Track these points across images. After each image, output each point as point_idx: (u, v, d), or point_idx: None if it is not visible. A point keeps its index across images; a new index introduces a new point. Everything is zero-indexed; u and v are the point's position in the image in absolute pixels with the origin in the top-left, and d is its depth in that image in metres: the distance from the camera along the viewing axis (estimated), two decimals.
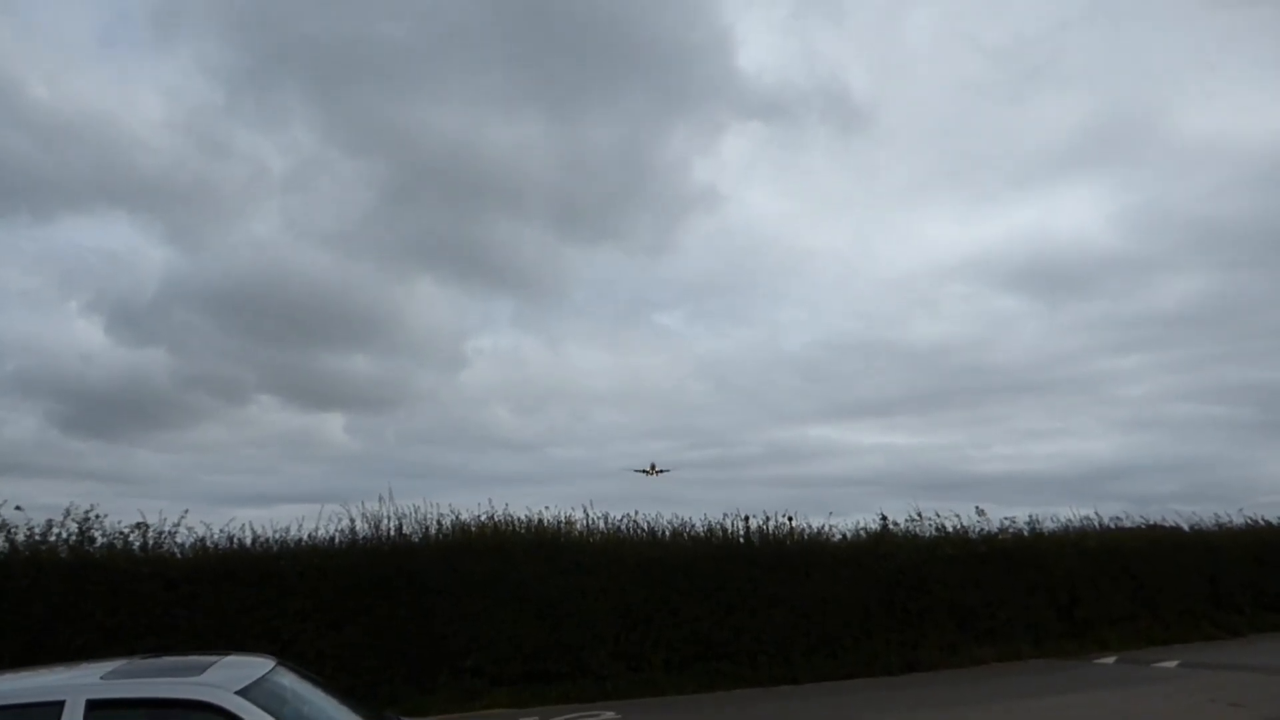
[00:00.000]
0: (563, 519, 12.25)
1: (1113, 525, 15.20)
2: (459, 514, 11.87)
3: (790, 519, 12.99)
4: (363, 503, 11.56)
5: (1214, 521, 16.21)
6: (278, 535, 11.00)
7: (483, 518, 11.90)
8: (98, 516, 10.44)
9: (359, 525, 11.37)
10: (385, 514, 11.57)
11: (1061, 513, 14.96)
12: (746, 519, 12.93)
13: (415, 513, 11.72)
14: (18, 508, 10.29)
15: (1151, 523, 15.55)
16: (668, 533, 12.56)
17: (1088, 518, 14.95)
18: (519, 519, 12.00)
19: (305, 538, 11.04)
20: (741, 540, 12.61)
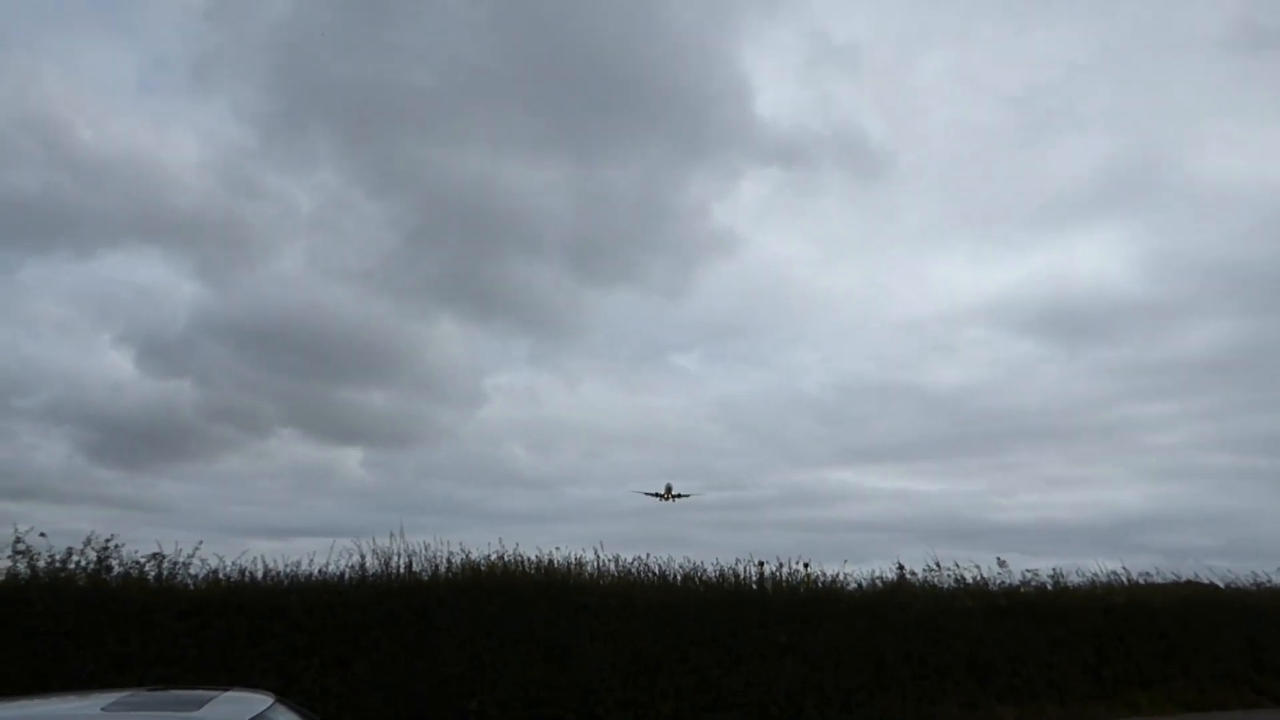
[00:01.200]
0: (573, 560, 12.18)
1: (1142, 580, 14.69)
2: (469, 552, 11.87)
3: (806, 565, 12.77)
4: (374, 538, 11.63)
5: (1252, 580, 15.59)
6: (288, 569, 11.09)
7: (493, 556, 11.89)
8: (116, 546, 10.63)
9: (369, 561, 11.43)
10: (396, 550, 11.62)
11: (1088, 565, 14.51)
12: (761, 564, 12.74)
13: (425, 550, 11.75)
14: (41, 534, 10.54)
15: (1184, 579, 15.01)
16: (679, 577, 12.41)
17: (1115, 572, 14.48)
18: (529, 559, 11.97)
19: (315, 572, 11.11)
20: (754, 586, 12.41)
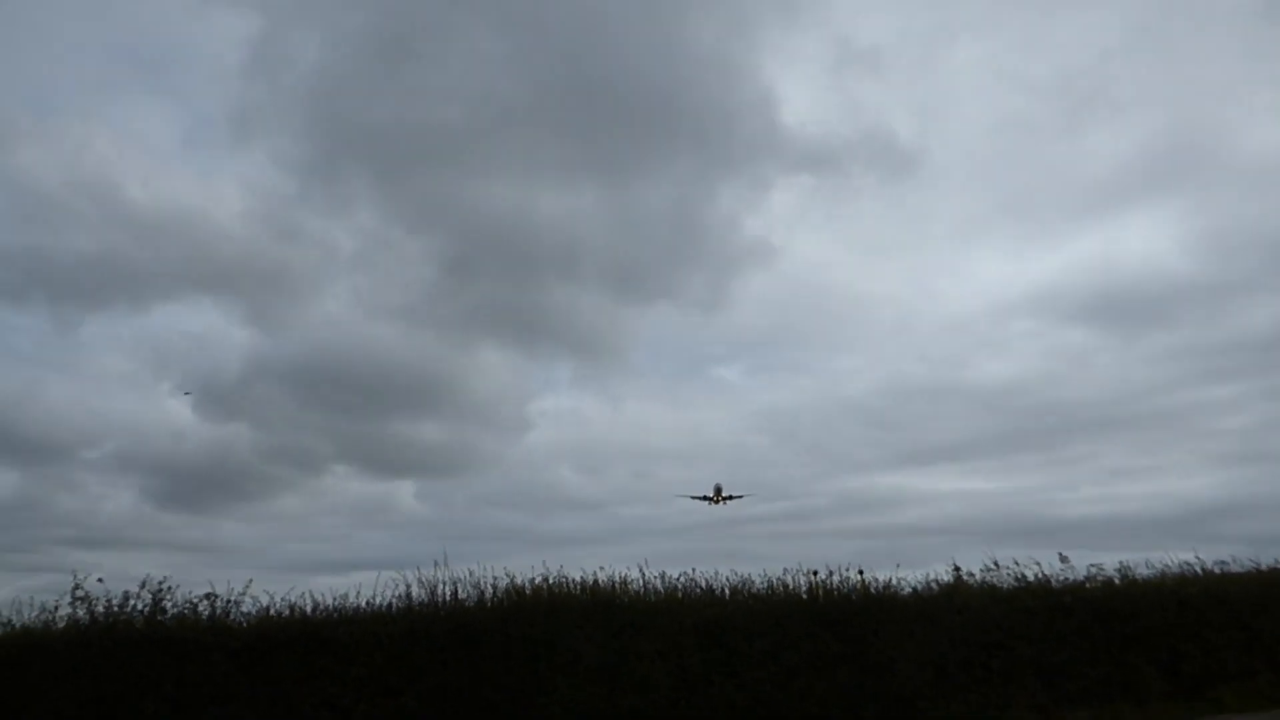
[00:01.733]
0: (618, 579, 12.07)
1: (1218, 570, 13.92)
2: (514, 576, 11.86)
3: (860, 572, 12.44)
4: (418, 568, 11.70)
5: None
6: (336, 602, 11.21)
7: (537, 579, 11.84)
8: (170, 588, 10.91)
9: (415, 591, 11.50)
10: (441, 579, 11.67)
11: (1160, 557, 13.81)
12: (813, 573, 12.45)
13: (470, 576, 11.78)
14: (99, 579, 10.88)
15: (1264, 566, 14.18)
16: (726, 590, 12.19)
17: (1187, 563, 13.75)
18: (573, 580, 11.89)
19: (363, 605, 11.22)
20: (804, 596, 12.12)
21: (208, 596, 10.95)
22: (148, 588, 10.91)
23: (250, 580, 11.15)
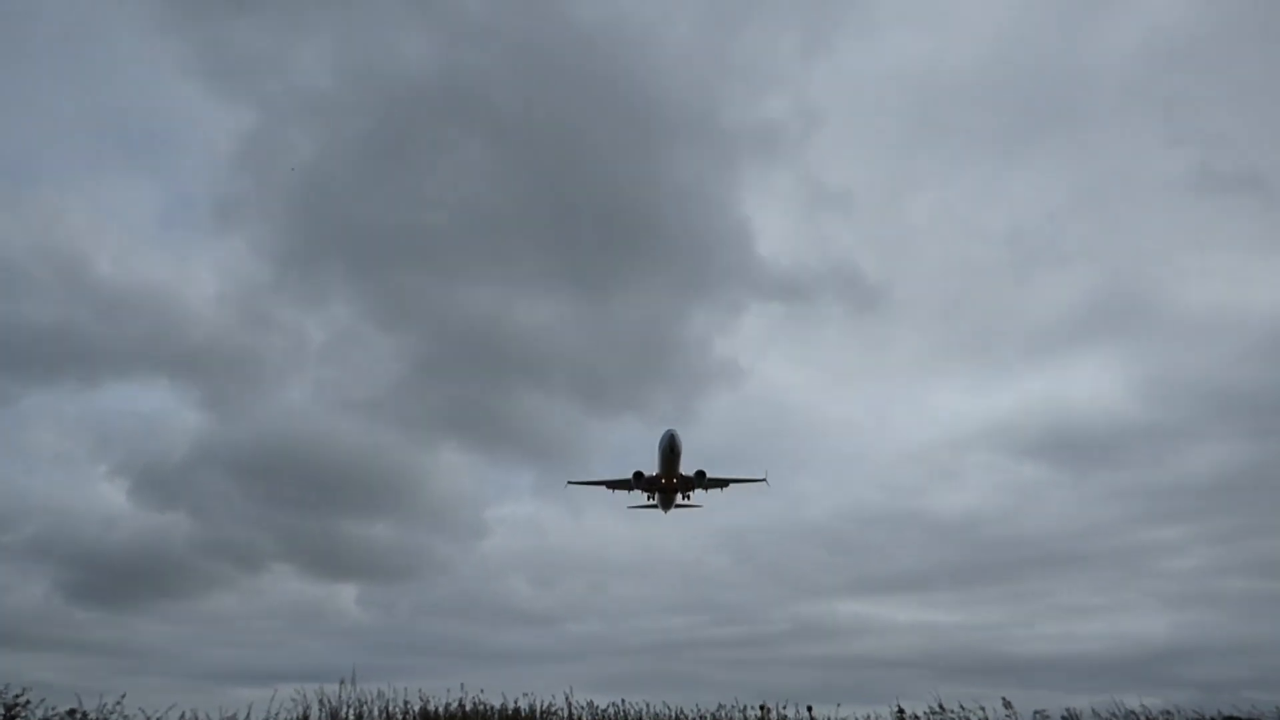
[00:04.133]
0: (541, 706, 11.14)
1: (1162, 718, 13.55)
2: (428, 700, 10.86)
3: (810, 709, 11.83)
4: (321, 687, 10.62)
5: None
6: None
7: (453, 704, 10.83)
8: (27, 701, 9.59)
9: (314, 714, 10.35)
10: (346, 700, 10.57)
11: (1108, 704, 13.40)
12: (763, 708, 11.83)
13: (379, 698, 10.72)
14: None
15: (1209, 716, 13.87)
16: None
17: (1133, 712, 13.36)
18: (491, 706, 10.90)
19: None
20: None
21: (70, 713, 9.63)
22: (2, 699, 9.57)
23: (124, 694, 9.91)
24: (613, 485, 76.63)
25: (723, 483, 77.78)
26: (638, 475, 74.86)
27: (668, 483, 74.79)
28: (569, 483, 67.17)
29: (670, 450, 70.95)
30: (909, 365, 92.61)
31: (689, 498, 77.58)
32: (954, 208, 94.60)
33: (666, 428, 70.98)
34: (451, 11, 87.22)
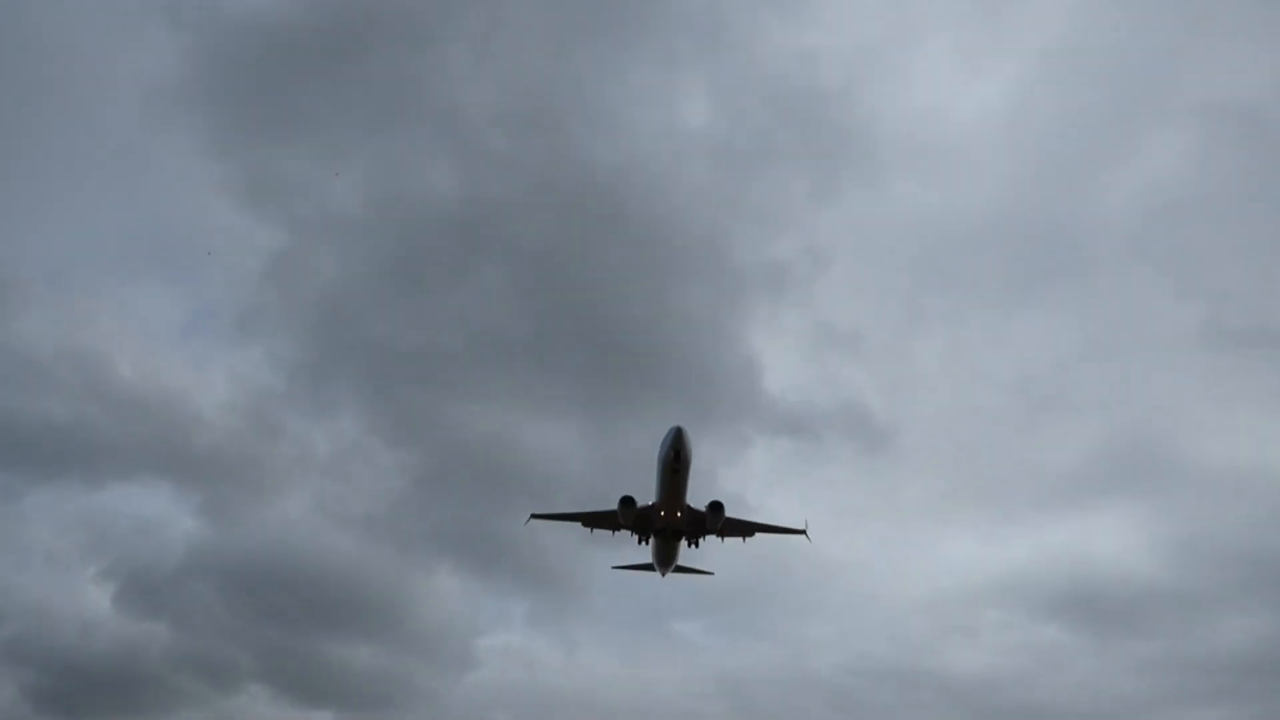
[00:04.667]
0: None
1: None
2: None
3: None
4: None
5: None
6: None
7: None
8: None
9: None
10: None
11: None
12: None
13: None
14: None
15: None
16: None
17: None
18: None
19: None
20: None
21: None
22: None
23: None
24: (591, 521, 60.72)
25: (747, 528, 61.39)
26: (627, 503, 57.65)
27: (669, 516, 57.39)
28: (532, 516, 59.67)
29: (675, 458, 53.68)
30: (919, 509, 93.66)
31: (697, 545, 61.40)
32: (962, 353, 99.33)
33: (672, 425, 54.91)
34: (478, 146, 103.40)
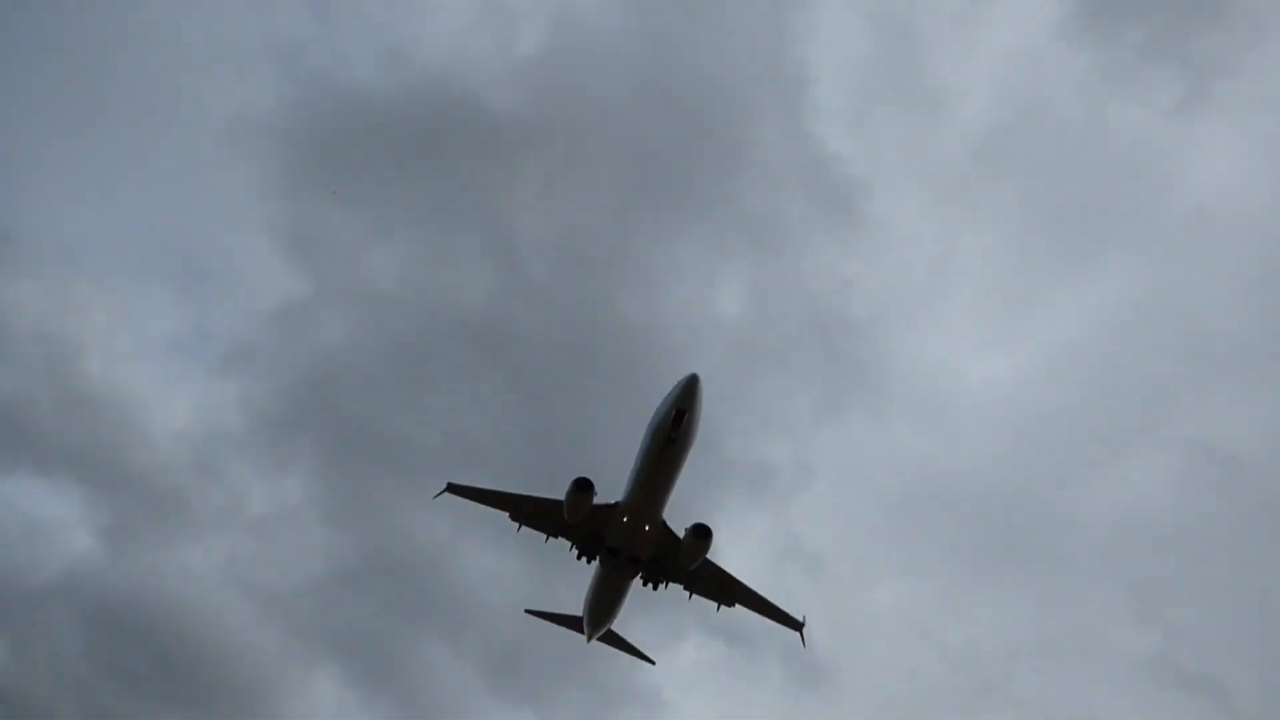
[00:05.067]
0: None
1: None
2: None
3: None
4: None
5: None
6: None
7: None
8: None
9: None
10: None
11: None
12: None
13: None
14: None
15: None
16: None
17: None
18: None
19: None
20: None
21: None
22: None
23: None
24: (524, 509, 43.45)
25: (733, 589, 45.21)
26: (582, 487, 41.07)
27: (634, 525, 41.46)
28: (449, 486, 43.55)
29: (676, 422, 38.38)
30: None
31: (656, 587, 44.47)
32: (916, 608, 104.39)
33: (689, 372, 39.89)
34: (517, 267, 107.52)
